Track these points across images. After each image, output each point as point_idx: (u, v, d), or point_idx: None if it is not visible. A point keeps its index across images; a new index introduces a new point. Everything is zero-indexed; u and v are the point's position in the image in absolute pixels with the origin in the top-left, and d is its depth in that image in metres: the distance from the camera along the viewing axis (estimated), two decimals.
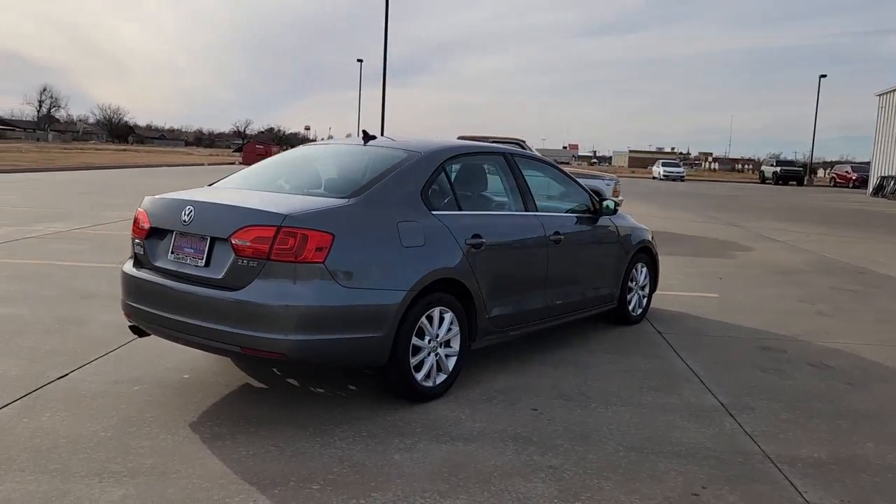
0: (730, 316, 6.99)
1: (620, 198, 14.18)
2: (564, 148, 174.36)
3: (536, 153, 14.42)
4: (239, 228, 3.77)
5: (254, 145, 44.79)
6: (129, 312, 4.30)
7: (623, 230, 6.20)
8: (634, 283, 6.44)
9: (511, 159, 5.27)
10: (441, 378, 4.39)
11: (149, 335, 4.39)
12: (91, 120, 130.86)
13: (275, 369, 4.78)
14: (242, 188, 4.58)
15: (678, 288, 8.38)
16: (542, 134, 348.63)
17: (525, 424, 4.04)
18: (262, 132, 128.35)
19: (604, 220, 5.98)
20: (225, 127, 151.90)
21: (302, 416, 4.01)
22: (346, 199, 4.09)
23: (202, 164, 43.93)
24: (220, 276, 3.82)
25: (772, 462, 3.68)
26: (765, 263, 10.86)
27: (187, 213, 4.03)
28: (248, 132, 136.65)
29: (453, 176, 4.80)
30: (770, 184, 53.47)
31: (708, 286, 8.63)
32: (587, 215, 5.84)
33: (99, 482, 3.16)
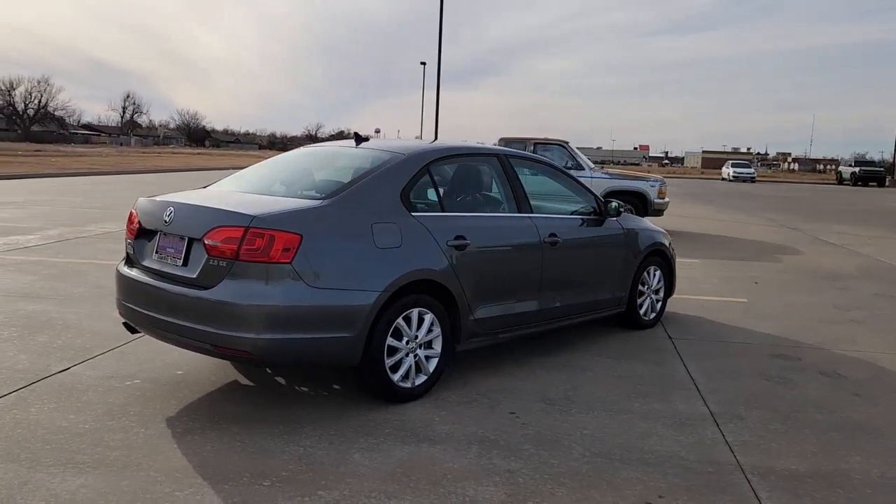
0: (753, 322, 6.76)
1: (667, 199, 13.90)
2: (635, 149, 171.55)
3: (578, 153, 14.31)
4: (211, 229, 3.87)
5: None
6: (121, 310, 4.47)
7: (631, 233, 6.07)
8: (646, 286, 6.30)
9: (506, 161, 5.23)
10: (421, 379, 4.40)
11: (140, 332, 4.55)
12: (172, 125, 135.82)
13: (268, 369, 4.87)
14: (232, 190, 4.69)
15: (707, 292, 8.15)
16: (612, 135, 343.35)
17: (497, 428, 4.01)
18: (333, 135, 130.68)
19: (610, 223, 5.88)
20: (297, 130, 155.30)
21: (278, 415, 4.09)
22: (321, 201, 4.15)
23: None
24: (194, 276, 3.93)
25: (743, 473, 3.56)
26: (811, 268, 10.45)
27: (168, 213, 4.17)
28: (318, 135, 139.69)
29: (438, 178, 4.79)
30: (848, 185, 51.25)
31: (740, 291, 8.35)
32: (591, 217, 5.74)
33: (62, 472, 3.29)
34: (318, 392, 4.52)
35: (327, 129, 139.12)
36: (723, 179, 55.01)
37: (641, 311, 6.27)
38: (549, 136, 14.44)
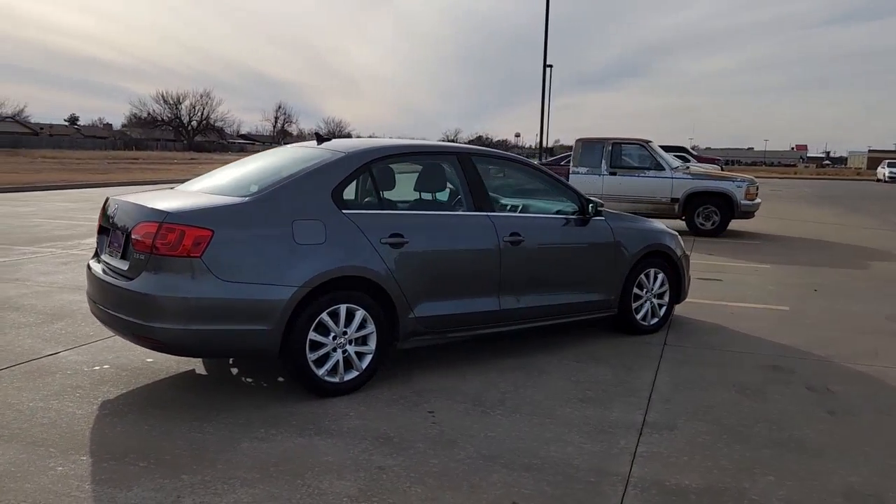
0: (776, 330, 6.27)
1: (757, 200, 13.10)
2: (791, 149, 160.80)
3: (660, 152, 13.72)
4: (135, 224, 4.14)
5: None
6: (89, 303, 4.84)
7: (621, 233, 5.81)
8: (645, 290, 6.01)
9: (467, 159, 5.17)
10: (352, 375, 4.46)
11: None
12: (321, 132, 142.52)
13: (230, 360, 5.10)
14: (185, 190, 4.95)
15: (750, 299, 7.63)
16: (764, 135, 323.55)
17: (403, 426, 4.01)
18: (471, 140, 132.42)
19: (596, 223, 5.67)
20: (436, 136, 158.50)
21: (207, 402, 4.28)
22: (243, 199, 4.32)
23: None
24: (126, 269, 4.21)
25: (624, 485, 3.36)
26: (894, 276, 9.49)
27: (113, 210, 4.49)
28: (456, 141, 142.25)
29: (381, 176, 4.82)
30: None
31: (789, 298, 7.74)
32: (571, 217, 5.57)
33: None
34: (260, 383, 4.69)
35: (465, 135, 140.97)
36: (878, 180, 50.65)
37: (639, 316, 5.99)
38: (633, 136, 13.96)
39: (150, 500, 3.12)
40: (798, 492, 3.34)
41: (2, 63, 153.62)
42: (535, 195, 5.77)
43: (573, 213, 5.61)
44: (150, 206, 4.20)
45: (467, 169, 5.14)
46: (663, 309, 6.18)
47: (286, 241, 4.22)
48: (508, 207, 5.63)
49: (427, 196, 5.17)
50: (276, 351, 4.20)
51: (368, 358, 4.53)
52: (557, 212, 5.60)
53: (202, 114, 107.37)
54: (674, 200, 13.25)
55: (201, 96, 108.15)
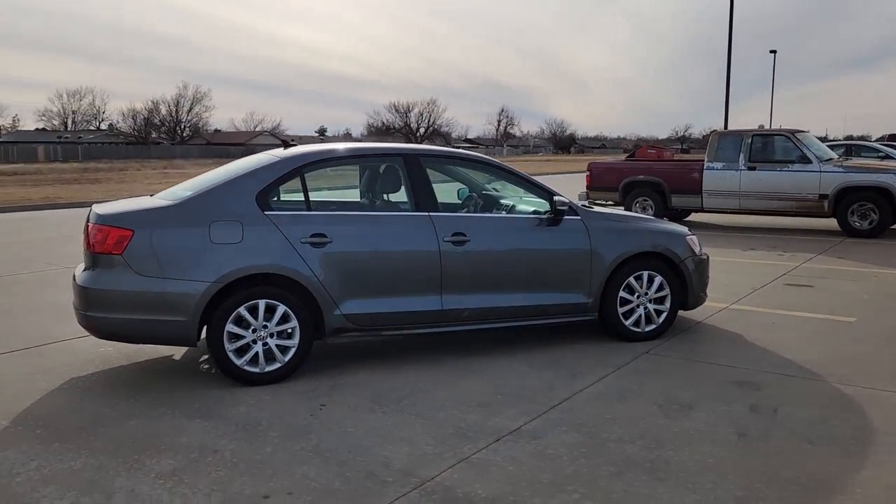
0: (807, 344, 5.58)
1: None
2: None
3: (808, 144, 12.36)
4: (88, 226, 4.77)
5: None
6: None
7: (599, 234, 5.49)
8: (636, 294, 5.63)
9: (413, 160, 5.23)
10: (273, 366, 4.76)
11: None
12: (545, 134, 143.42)
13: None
14: (152, 194, 5.44)
15: (820, 308, 6.77)
16: None
17: (280, 416, 4.22)
18: (706, 135, 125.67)
19: (569, 222, 5.43)
20: (664, 133, 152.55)
21: (154, 384, 4.80)
22: (170, 202, 4.80)
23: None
24: (85, 266, 4.88)
25: (412, 488, 3.33)
26: None
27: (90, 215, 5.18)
28: (687, 135, 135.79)
29: (313, 180, 5.04)
30: None
31: (868, 310, 6.73)
32: (532, 216, 5.40)
33: None
34: (206, 371, 5.13)
35: (697, 130, 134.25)
36: None
37: (629, 322, 5.62)
38: (778, 128, 12.69)
39: (8, 459, 3.67)
40: None
41: (263, 82, 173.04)
42: (506, 195, 5.65)
43: (542, 213, 5.42)
44: (95, 210, 4.82)
45: (412, 169, 5.20)
46: (663, 315, 5.73)
47: (202, 240, 4.62)
48: (469, 208, 5.58)
49: (367, 197, 5.31)
50: (194, 340, 4.63)
51: (292, 351, 4.79)
52: (532, 211, 5.46)
53: (429, 120, 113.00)
54: (822, 197, 11.87)
55: (428, 104, 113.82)
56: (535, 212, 5.51)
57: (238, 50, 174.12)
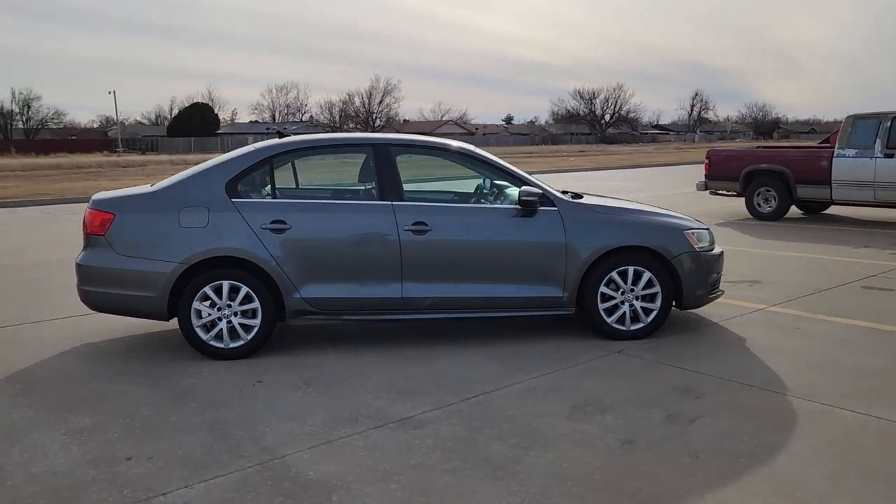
0: (810, 353, 5.04)
1: None
2: None
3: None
4: (86, 210, 5.40)
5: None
6: None
7: (576, 226, 5.27)
8: (620, 291, 5.35)
9: (382, 150, 5.32)
10: (237, 343, 5.10)
11: None
12: (746, 119, 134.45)
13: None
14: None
15: (869, 317, 6.01)
16: None
17: (215, 389, 4.53)
18: None
19: (544, 214, 5.28)
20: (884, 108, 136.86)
21: (135, 356, 5.35)
22: (152, 189, 5.28)
23: None
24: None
25: (257, 461, 3.51)
26: None
27: None
28: None
29: (281, 169, 5.31)
30: None
31: None
32: (501, 207, 5.30)
33: None
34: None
35: None
36: None
37: (611, 319, 5.36)
38: None
39: None
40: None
41: (451, 72, 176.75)
42: (465, 184, 5.61)
43: (513, 204, 5.31)
44: (93, 197, 5.42)
45: (380, 159, 5.31)
46: (652, 314, 5.40)
47: (173, 224, 5.06)
48: (441, 197, 5.58)
49: (326, 186, 5.49)
50: (164, 314, 5.09)
51: (254, 330, 5.12)
52: (497, 201, 5.39)
53: (615, 107, 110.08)
54: None
55: (614, 90, 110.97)
56: (510, 202, 5.40)
57: (428, 40, 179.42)
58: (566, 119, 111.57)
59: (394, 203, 5.21)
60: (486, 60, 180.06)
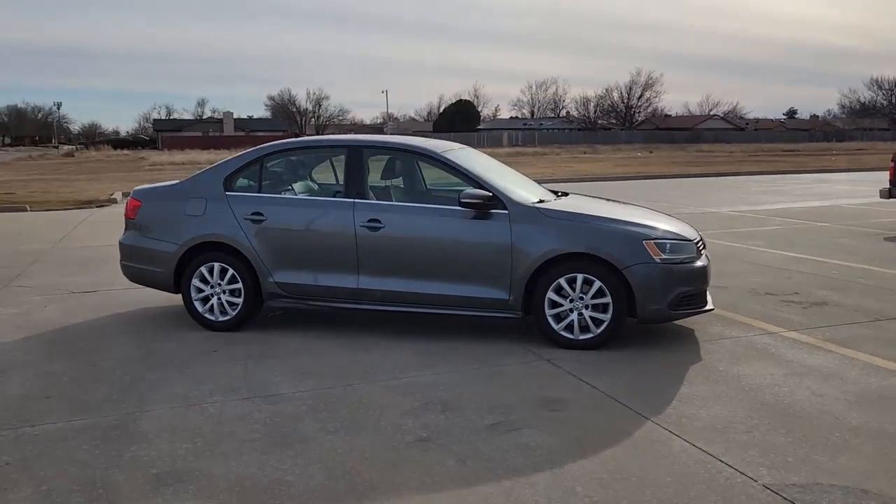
0: (741, 381, 4.60)
1: None
2: None
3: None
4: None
5: None
6: None
7: (523, 230, 5.26)
8: (568, 299, 5.26)
9: (355, 151, 5.75)
10: (226, 317, 5.91)
11: None
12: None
13: None
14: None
15: (880, 350, 5.21)
16: None
17: (178, 352, 5.38)
18: None
19: (495, 216, 5.35)
20: None
21: (153, 321, 6.41)
22: (174, 182, 6.25)
23: None
24: None
25: (97, 415, 4.24)
26: None
27: None
28: None
29: (271, 166, 5.97)
30: None
31: None
32: (452, 208, 5.46)
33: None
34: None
35: None
36: None
37: (559, 326, 5.29)
38: None
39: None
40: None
41: (722, 60, 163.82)
42: (453, 185, 5.76)
43: (475, 206, 5.42)
44: (134, 188, 6.54)
45: (351, 159, 5.76)
46: (602, 325, 5.22)
47: (180, 212, 6.00)
48: (406, 197, 5.87)
49: (303, 182, 6.02)
50: (172, 287, 6.05)
51: (238, 307, 5.89)
52: (437, 202, 5.57)
53: None
54: None
55: None
56: (435, 201, 5.61)
57: (695, 25, 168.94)
58: (858, 113, 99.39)
59: (355, 200, 5.64)
60: (765, 46, 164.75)
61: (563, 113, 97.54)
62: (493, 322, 5.78)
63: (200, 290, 5.92)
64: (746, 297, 6.85)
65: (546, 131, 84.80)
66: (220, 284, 5.87)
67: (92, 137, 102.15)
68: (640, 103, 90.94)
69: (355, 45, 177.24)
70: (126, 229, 6.37)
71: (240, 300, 5.84)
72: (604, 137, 78.35)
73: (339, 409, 4.22)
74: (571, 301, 5.26)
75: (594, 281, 5.20)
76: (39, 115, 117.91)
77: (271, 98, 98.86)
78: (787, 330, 5.72)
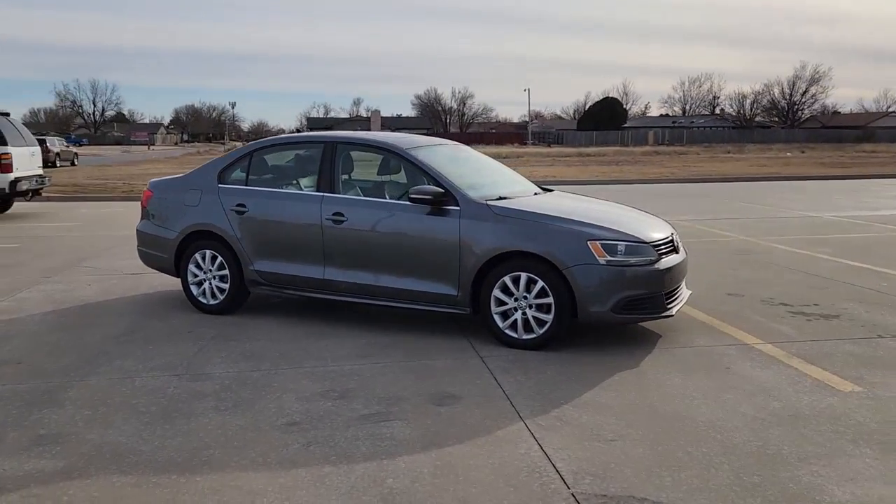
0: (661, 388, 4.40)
1: None
2: None
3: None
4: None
5: None
6: None
7: (472, 227, 5.25)
8: (514, 297, 5.21)
9: (331, 148, 5.97)
10: (216, 301, 6.35)
11: None
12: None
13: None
14: None
15: (846, 371, 4.76)
16: None
17: (160, 329, 5.88)
18: None
19: (447, 212, 5.40)
20: None
21: (164, 301, 6.97)
22: (181, 175, 6.76)
23: None
24: None
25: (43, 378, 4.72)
26: None
27: None
28: None
29: (257, 161, 6.30)
30: None
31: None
32: (406, 203, 5.54)
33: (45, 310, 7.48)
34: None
35: None
36: None
37: (503, 324, 5.25)
38: None
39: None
40: None
41: None
42: (413, 180, 5.84)
43: (417, 202, 5.49)
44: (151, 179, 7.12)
45: (326, 155, 5.99)
46: (545, 326, 5.14)
47: (180, 202, 6.50)
48: (370, 191, 6.01)
49: (283, 176, 6.30)
50: (174, 271, 6.56)
51: (227, 292, 6.30)
52: (402, 197, 5.65)
53: None
54: None
55: None
56: (397, 197, 5.73)
57: (874, 14, 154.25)
58: None
59: (324, 194, 5.87)
60: None
61: (717, 110, 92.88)
62: (464, 319, 5.80)
63: (195, 275, 6.38)
64: (753, 306, 6.42)
65: (696, 129, 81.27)
66: (210, 270, 6.30)
67: (259, 134, 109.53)
68: (804, 100, 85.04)
69: (503, 42, 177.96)
70: (141, 217, 6.96)
71: (226, 286, 6.24)
72: (761, 136, 74.04)
73: (245, 391, 4.46)
74: (516, 300, 5.21)
75: (537, 280, 5.12)
76: (214, 114, 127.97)
77: (418, 97, 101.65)
78: (764, 342, 5.33)
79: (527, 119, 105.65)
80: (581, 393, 4.36)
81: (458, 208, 5.40)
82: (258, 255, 6.08)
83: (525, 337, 5.20)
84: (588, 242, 5.06)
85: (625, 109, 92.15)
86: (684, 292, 5.79)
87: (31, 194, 14.72)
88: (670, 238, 5.53)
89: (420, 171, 5.70)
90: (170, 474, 3.37)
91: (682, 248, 5.80)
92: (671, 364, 4.87)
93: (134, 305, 6.77)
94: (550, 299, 5.09)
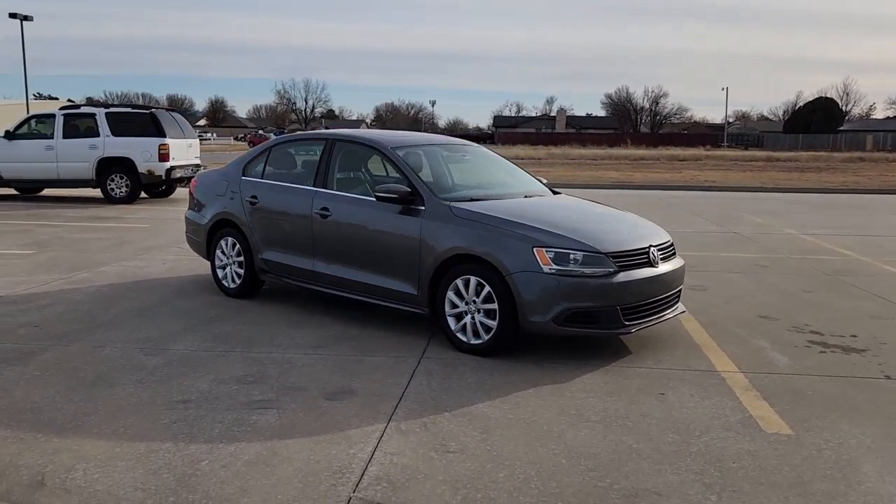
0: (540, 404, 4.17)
1: None
2: None
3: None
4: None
5: None
6: None
7: (433, 226, 5.23)
8: (465, 301, 5.13)
9: (332, 145, 6.18)
10: (235, 285, 6.84)
11: None
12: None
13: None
14: None
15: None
16: None
17: (172, 305, 6.45)
18: None
19: (413, 211, 5.42)
20: None
21: (196, 283, 7.56)
22: (220, 167, 7.29)
23: None
24: None
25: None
26: None
27: None
28: None
29: (273, 157, 6.62)
30: None
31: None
32: (376, 200, 5.60)
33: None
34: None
35: None
36: None
37: (455, 326, 5.18)
38: None
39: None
40: None
41: None
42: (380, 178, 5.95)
43: (401, 199, 5.55)
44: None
45: (325, 151, 6.23)
46: (491, 332, 5.01)
47: (213, 192, 7.04)
48: (362, 188, 6.10)
49: (292, 171, 6.56)
50: (206, 256, 7.13)
51: (243, 278, 6.77)
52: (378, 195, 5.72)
53: None
54: None
55: None
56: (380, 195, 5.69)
57: None
58: None
59: (317, 189, 6.11)
60: None
61: None
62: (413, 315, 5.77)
63: (221, 260, 6.89)
64: (772, 331, 5.78)
65: None
66: (231, 256, 6.77)
67: (454, 132, 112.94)
68: None
69: (703, 39, 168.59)
70: (188, 206, 7.60)
71: (243, 271, 6.68)
72: None
73: (179, 368, 4.80)
74: (467, 304, 5.12)
75: (485, 285, 5.00)
76: (411, 112, 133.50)
77: (608, 96, 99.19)
78: (737, 371, 4.81)
79: (728, 120, 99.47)
80: (475, 402, 4.22)
81: (423, 208, 5.39)
82: (265, 244, 6.44)
83: (473, 342, 5.09)
84: (534, 249, 4.85)
85: (842, 111, 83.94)
86: (672, 309, 5.38)
87: (185, 181, 16.41)
88: (644, 250, 5.14)
89: (398, 170, 5.75)
90: (38, 433, 3.75)
91: (672, 261, 5.38)
92: (605, 384, 4.55)
93: (180, 284, 7.41)
94: (495, 304, 4.95)
